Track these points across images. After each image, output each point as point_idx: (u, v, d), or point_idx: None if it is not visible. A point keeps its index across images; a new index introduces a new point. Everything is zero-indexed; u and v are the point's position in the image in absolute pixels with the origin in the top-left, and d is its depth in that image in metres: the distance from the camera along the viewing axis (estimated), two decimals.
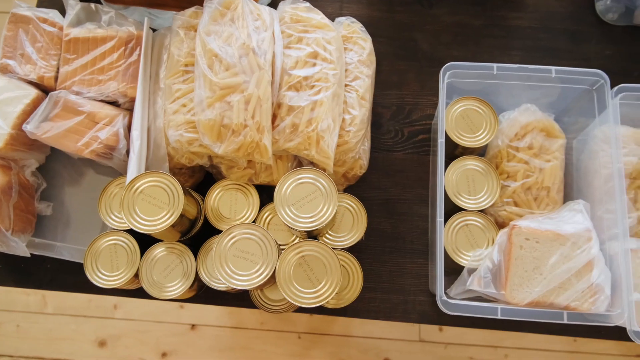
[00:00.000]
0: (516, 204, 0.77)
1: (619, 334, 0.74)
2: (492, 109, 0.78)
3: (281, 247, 0.73)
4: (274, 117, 0.71)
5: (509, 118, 0.80)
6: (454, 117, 0.78)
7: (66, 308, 1.71)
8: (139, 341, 1.67)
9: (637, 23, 0.90)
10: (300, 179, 0.66)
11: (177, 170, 0.80)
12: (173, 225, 0.67)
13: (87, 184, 0.87)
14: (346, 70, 0.75)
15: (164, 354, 1.66)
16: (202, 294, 0.80)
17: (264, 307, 0.72)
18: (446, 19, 0.93)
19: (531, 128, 0.79)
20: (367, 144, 0.80)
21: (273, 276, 0.64)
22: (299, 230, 0.66)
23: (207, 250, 0.73)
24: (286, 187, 0.66)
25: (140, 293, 0.78)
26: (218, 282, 0.71)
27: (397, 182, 0.85)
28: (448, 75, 0.75)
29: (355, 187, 0.84)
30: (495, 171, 0.76)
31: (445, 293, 0.73)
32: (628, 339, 0.64)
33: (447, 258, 0.73)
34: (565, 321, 0.64)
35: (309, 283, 0.63)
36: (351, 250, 0.82)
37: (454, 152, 0.81)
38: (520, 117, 0.79)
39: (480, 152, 0.84)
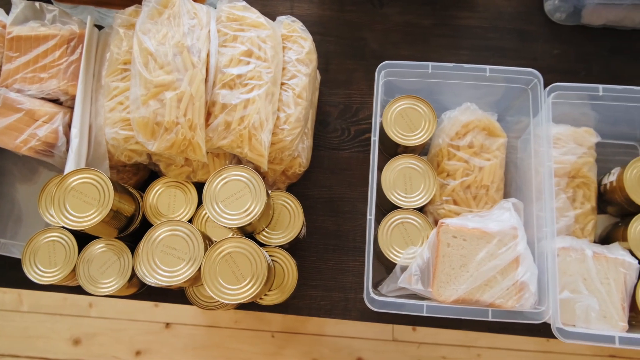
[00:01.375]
0: (455, 203, 0.78)
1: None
2: (432, 108, 0.78)
3: None
4: (209, 115, 0.71)
5: (449, 117, 0.80)
6: (393, 116, 0.78)
7: (41, 306, 1.72)
8: (114, 339, 1.68)
9: (585, 23, 0.91)
10: (230, 176, 0.67)
11: (120, 168, 0.80)
12: (106, 222, 0.67)
13: (40, 182, 0.88)
14: (284, 68, 0.75)
15: (138, 353, 1.67)
16: (145, 290, 0.81)
17: (198, 304, 0.73)
18: (396, 18, 0.94)
19: (472, 127, 0.79)
20: (307, 142, 0.80)
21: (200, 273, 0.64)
22: (229, 227, 0.66)
23: None
24: (216, 183, 0.66)
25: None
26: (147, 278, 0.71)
27: (342, 180, 0.86)
28: (385, 73, 0.75)
29: (299, 186, 0.85)
30: (432, 170, 0.76)
31: (378, 290, 0.73)
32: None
33: (384, 256, 0.73)
34: (490, 318, 0.64)
35: (234, 279, 0.63)
36: (294, 248, 0.83)
37: (396, 150, 0.81)
38: (460, 116, 0.79)
39: (423, 150, 0.85)
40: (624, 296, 0.69)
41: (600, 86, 0.73)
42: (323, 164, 0.87)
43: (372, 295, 0.66)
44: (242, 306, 0.80)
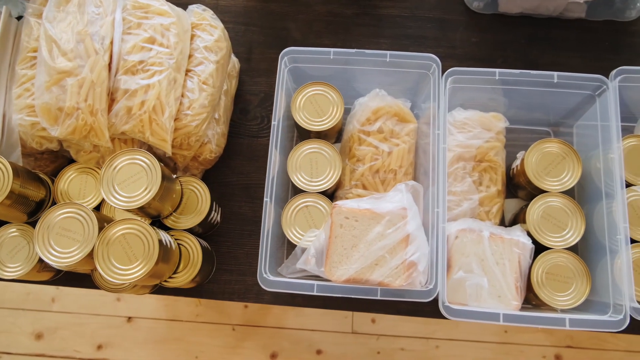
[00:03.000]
0: (364, 187, 0.79)
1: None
2: (340, 94, 0.80)
3: None
4: (112, 101, 0.72)
5: (360, 103, 0.82)
6: (302, 102, 0.80)
7: (4, 301, 1.73)
8: (75, 333, 1.69)
9: (502, 11, 0.92)
10: (127, 160, 0.68)
11: (38, 156, 0.81)
12: (7, 205, 0.68)
13: None
14: (191, 55, 0.77)
15: (99, 347, 1.68)
16: (62, 276, 0.82)
17: (104, 287, 0.74)
18: (319, 8, 0.95)
19: (382, 113, 0.81)
20: (218, 129, 0.81)
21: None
22: (126, 210, 0.67)
23: None
24: (113, 167, 0.68)
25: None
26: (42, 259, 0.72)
27: (259, 167, 0.87)
28: (288, 59, 0.77)
29: (217, 172, 0.86)
30: (339, 155, 0.77)
31: (278, 272, 0.75)
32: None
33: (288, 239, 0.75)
34: (379, 297, 0.65)
35: (126, 260, 0.65)
36: (210, 233, 0.84)
37: (309, 136, 0.83)
38: (370, 102, 0.81)
39: (338, 137, 0.86)
40: (518, 276, 0.70)
41: (497, 70, 0.74)
42: (242, 151, 0.88)
43: (265, 275, 0.67)
44: (160, 290, 0.81)
